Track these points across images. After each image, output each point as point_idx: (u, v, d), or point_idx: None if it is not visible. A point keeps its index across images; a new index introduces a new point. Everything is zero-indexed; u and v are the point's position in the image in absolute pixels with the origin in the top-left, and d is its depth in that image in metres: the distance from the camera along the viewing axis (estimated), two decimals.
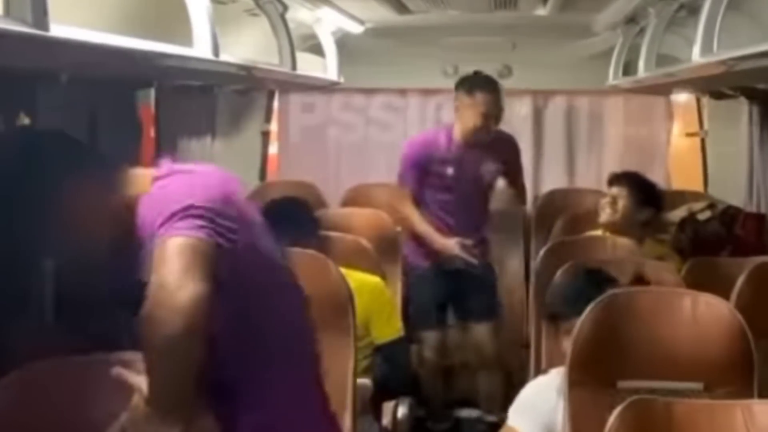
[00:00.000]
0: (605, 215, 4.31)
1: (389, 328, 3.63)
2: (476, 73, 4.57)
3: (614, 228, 4.23)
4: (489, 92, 4.46)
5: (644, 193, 4.30)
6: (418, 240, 4.63)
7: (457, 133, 4.55)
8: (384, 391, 3.64)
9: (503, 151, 4.68)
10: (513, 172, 4.86)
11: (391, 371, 3.63)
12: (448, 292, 4.59)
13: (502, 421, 3.93)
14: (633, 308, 2.65)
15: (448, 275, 4.57)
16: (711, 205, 4.72)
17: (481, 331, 4.62)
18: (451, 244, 4.51)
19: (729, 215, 4.64)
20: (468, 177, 4.56)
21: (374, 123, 6.17)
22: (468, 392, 4.91)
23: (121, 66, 2.90)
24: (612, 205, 4.28)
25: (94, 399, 1.86)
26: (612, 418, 2.14)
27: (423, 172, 4.55)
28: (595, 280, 2.99)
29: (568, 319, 2.84)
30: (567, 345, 2.75)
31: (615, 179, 4.37)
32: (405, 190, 4.60)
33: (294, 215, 3.66)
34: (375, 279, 3.66)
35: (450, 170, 4.54)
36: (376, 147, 6.14)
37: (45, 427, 1.86)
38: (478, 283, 4.61)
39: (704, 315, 2.60)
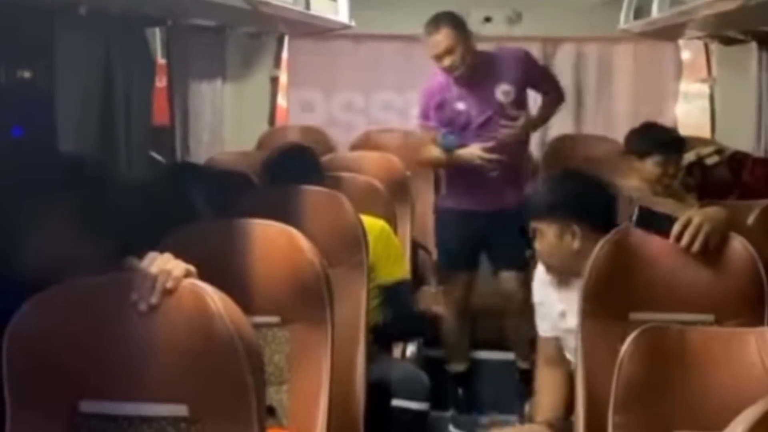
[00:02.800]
0: (663, 183, 4.16)
1: (395, 270, 3.67)
2: (432, 17, 4.48)
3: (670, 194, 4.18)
4: (431, 34, 4.40)
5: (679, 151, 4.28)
6: (455, 182, 4.65)
7: None
8: (392, 332, 3.70)
9: (511, 67, 4.53)
10: (537, 82, 4.67)
11: (396, 312, 3.68)
12: (480, 236, 4.58)
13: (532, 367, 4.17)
14: (645, 241, 2.68)
15: (481, 218, 4.55)
16: (719, 150, 4.74)
17: (509, 278, 4.59)
18: (469, 153, 4.46)
19: (737, 160, 4.67)
20: (482, 105, 4.49)
21: (384, 69, 6.15)
22: (489, 335, 4.92)
23: None
24: (665, 173, 4.16)
25: (119, 313, 1.90)
26: (626, 345, 2.16)
27: (439, 110, 4.53)
28: (565, 184, 3.06)
29: (539, 222, 3.02)
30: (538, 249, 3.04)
31: (661, 143, 4.17)
32: (426, 132, 4.58)
33: (299, 162, 3.69)
34: (380, 222, 3.69)
35: (460, 105, 4.50)
36: (386, 93, 6.14)
37: (75, 339, 1.90)
38: (511, 227, 4.56)
39: (717, 247, 2.62)
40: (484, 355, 4.98)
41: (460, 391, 4.79)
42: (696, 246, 2.61)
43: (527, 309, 4.37)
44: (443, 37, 4.38)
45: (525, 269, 4.51)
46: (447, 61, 4.40)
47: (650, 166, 4.15)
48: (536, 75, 4.65)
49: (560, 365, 3.09)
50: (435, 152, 4.55)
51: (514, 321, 4.60)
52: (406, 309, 3.73)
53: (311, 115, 6.18)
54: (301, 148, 3.92)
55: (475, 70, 4.45)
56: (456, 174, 4.60)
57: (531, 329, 4.01)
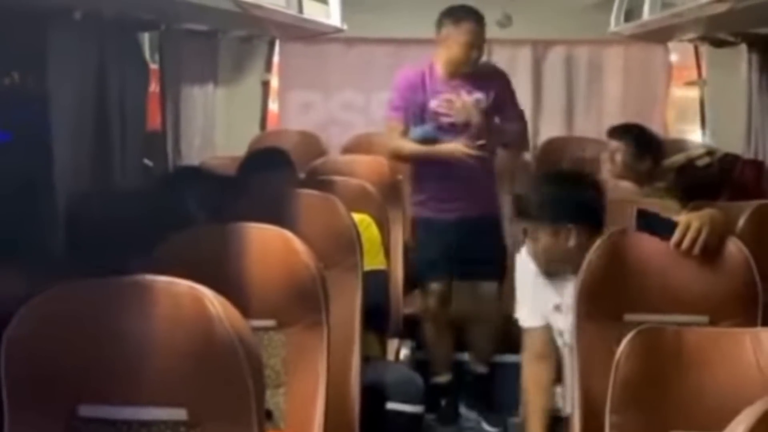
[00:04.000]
0: (606, 169, 4.33)
1: (372, 260, 3.68)
2: (460, 6, 4.53)
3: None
4: (475, 22, 4.45)
5: (642, 144, 4.33)
6: (423, 190, 4.62)
7: (440, 66, 4.52)
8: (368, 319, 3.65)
9: (489, 82, 4.58)
10: (504, 105, 4.63)
11: (370, 297, 3.64)
12: (454, 245, 4.53)
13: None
14: (640, 243, 2.69)
15: (454, 227, 4.54)
16: (710, 152, 4.77)
17: (485, 289, 4.60)
18: (452, 147, 4.44)
19: (727, 162, 4.70)
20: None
21: (376, 72, 6.13)
22: (466, 338, 4.90)
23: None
24: (611, 158, 4.31)
25: (118, 317, 1.91)
26: (622, 346, 2.17)
27: (411, 105, 4.51)
28: (563, 186, 3.10)
29: (534, 223, 3.03)
30: (530, 249, 3.07)
31: (613, 132, 4.40)
32: (395, 124, 4.54)
33: (272, 165, 3.70)
34: (361, 216, 3.73)
35: (433, 103, 4.49)
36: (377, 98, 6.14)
37: (73, 343, 1.90)
38: (485, 238, 4.57)
39: (712, 249, 2.64)
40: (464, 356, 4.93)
41: (443, 402, 4.74)
42: (696, 250, 2.63)
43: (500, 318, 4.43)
44: (481, 30, 4.47)
45: (502, 279, 4.52)
46: (473, 54, 4.46)
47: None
48: (503, 95, 4.65)
49: (549, 359, 3.12)
50: (409, 145, 4.51)
51: (485, 329, 4.67)
52: (376, 297, 3.68)
53: (302, 119, 6.18)
54: (274, 148, 3.97)
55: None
56: (427, 179, 4.58)
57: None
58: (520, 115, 4.74)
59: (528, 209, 3.08)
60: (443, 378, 4.73)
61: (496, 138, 4.60)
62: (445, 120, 4.49)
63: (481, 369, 4.76)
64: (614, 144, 4.31)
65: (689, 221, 2.64)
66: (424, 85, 4.51)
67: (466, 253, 4.52)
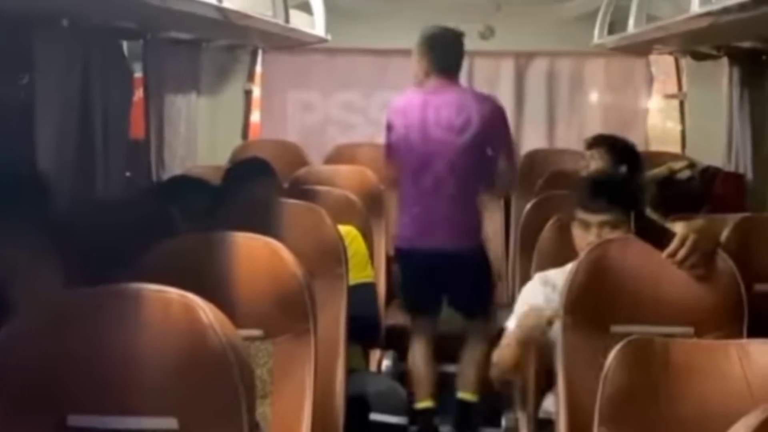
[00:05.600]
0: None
1: (360, 272, 3.68)
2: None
3: None
4: None
5: (618, 154, 4.34)
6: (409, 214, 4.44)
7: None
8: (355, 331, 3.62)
9: None
10: None
11: (355, 312, 3.63)
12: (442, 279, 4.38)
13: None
14: (626, 254, 2.71)
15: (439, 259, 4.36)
16: (690, 165, 4.80)
17: (475, 324, 4.44)
18: None
19: (709, 174, 4.73)
20: None
21: (357, 84, 6.14)
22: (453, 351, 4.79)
23: (112, 7, 2.92)
24: (587, 168, 4.32)
25: (110, 326, 1.89)
26: (611, 357, 2.18)
27: None
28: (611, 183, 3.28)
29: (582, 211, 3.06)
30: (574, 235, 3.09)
31: (589, 143, 4.43)
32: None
33: (257, 175, 3.69)
34: (347, 227, 3.72)
35: None
36: (359, 109, 6.15)
37: (63, 352, 1.89)
38: (473, 271, 4.43)
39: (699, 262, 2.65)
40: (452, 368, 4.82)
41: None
42: (688, 263, 2.65)
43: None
44: None
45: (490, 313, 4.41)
46: None
47: None
48: None
49: (531, 346, 3.02)
50: None
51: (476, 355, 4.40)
52: (366, 310, 3.67)
53: (284, 128, 6.18)
54: (257, 158, 3.97)
55: None
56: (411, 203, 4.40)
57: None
58: None
59: (597, 196, 3.08)
60: (425, 404, 4.41)
61: None
62: None
63: (469, 397, 4.43)
64: (589, 153, 4.34)
65: (686, 234, 2.66)
66: None
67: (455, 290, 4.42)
